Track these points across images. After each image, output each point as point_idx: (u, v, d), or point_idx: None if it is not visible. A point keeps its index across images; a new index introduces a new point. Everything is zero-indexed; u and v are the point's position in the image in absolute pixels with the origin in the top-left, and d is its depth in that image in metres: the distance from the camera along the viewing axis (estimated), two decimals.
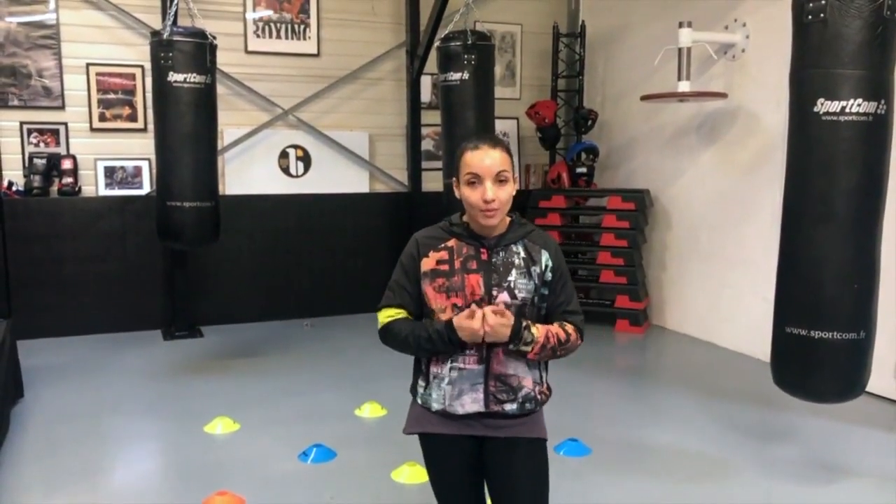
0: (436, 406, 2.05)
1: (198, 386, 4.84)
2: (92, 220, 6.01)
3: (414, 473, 3.47)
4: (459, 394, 2.02)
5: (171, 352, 5.65)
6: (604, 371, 5.31)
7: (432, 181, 6.68)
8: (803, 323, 3.18)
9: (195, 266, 6.22)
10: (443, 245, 2.06)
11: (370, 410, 4.36)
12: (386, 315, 2.10)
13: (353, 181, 6.83)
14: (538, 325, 2.01)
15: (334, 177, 6.75)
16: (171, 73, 4.61)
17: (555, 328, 2.04)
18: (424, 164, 6.90)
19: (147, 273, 6.18)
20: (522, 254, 2.04)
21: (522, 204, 6.64)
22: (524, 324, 1.97)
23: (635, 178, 6.77)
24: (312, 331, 6.30)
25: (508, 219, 2.10)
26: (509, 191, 2.01)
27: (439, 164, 6.09)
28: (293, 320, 6.54)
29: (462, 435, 2.07)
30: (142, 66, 5.96)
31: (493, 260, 2.03)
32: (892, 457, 3.78)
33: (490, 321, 1.92)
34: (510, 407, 2.03)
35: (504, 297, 2.00)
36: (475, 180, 1.98)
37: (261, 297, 6.58)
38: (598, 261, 6.48)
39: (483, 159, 1.98)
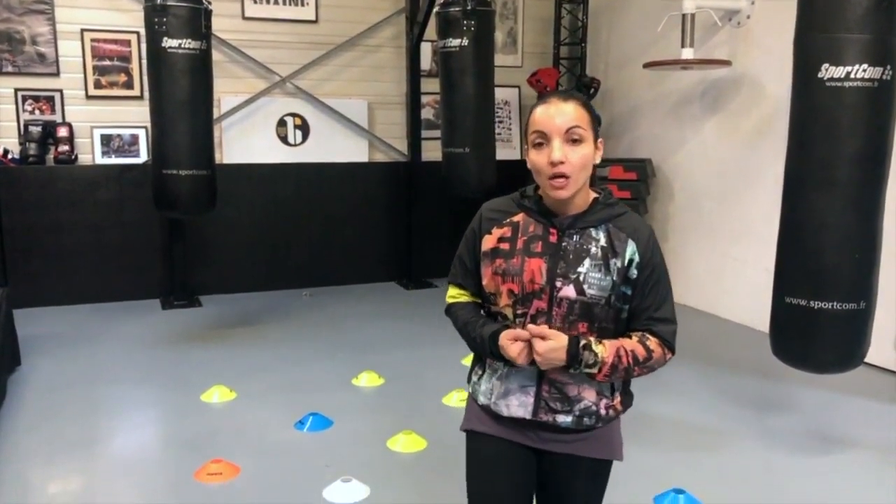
0: (482, 399, 1.79)
1: (195, 355, 4.83)
2: (89, 188, 5.97)
3: (409, 442, 3.47)
4: (506, 392, 1.74)
5: (169, 321, 5.64)
6: None
7: (432, 150, 6.60)
8: (803, 293, 3.15)
9: (194, 235, 6.19)
10: (508, 220, 1.74)
11: (367, 380, 4.35)
12: (450, 294, 1.86)
13: (352, 150, 6.76)
14: (605, 343, 1.65)
15: (333, 146, 6.67)
16: (165, 38, 4.55)
17: (631, 343, 1.67)
18: (424, 133, 6.81)
19: (145, 242, 6.15)
20: (602, 241, 1.67)
21: (524, 174, 6.58)
22: (582, 343, 1.63)
23: (637, 147, 6.70)
24: (311, 300, 6.29)
25: (593, 195, 1.72)
26: (585, 153, 1.62)
27: (439, 132, 6.02)
28: (292, 290, 6.51)
29: (513, 442, 1.77)
30: (137, 33, 5.86)
31: (564, 244, 1.67)
32: (891, 428, 3.76)
33: (539, 349, 1.61)
34: (563, 419, 1.71)
35: (569, 291, 1.65)
36: (542, 140, 1.62)
37: (260, 266, 6.55)
38: None
39: (552, 115, 1.61)
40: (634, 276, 1.67)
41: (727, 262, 5.84)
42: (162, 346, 5.00)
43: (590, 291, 1.64)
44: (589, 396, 1.71)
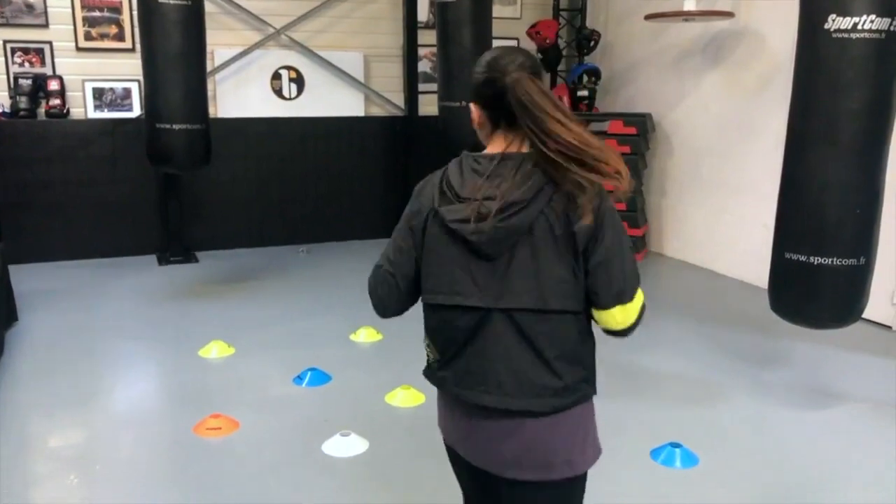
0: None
1: (192, 311, 4.83)
2: (82, 143, 5.89)
3: (408, 397, 3.48)
4: None
5: (165, 277, 5.62)
6: None
7: (429, 104, 6.52)
8: (803, 249, 3.13)
9: (189, 190, 6.13)
10: None
11: (365, 335, 4.35)
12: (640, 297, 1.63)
13: (348, 104, 6.67)
14: None
15: (328, 99, 6.58)
16: None
17: None
18: (421, 87, 6.72)
19: (140, 197, 6.10)
20: None
21: None
22: None
23: (637, 101, 6.61)
24: (308, 256, 6.27)
25: None
26: None
27: (436, 86, 5.92)
28: (288, 246, 6.49)
29: None
30: None
31: None
32: (886, 382, 3.79)
33: None
34: None
35: None
36: None
37: (256, 222, 6.51)
38: None
39: None
40: None
41: (725, 217, 5.81)
42: (159, 302, 4.99)
43: None
44: None
